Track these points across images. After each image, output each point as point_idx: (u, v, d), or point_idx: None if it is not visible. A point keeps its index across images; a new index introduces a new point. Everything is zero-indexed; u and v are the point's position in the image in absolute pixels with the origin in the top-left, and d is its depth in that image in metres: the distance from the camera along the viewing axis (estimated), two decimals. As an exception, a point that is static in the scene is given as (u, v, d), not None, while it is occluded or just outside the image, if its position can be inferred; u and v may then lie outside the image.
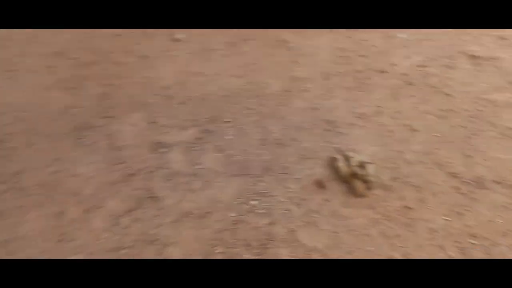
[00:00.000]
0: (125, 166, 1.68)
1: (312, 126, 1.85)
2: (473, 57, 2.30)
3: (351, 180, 1.54)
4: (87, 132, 1.87)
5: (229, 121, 1.90)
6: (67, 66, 2.33)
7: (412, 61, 2.30)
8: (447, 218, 1.42)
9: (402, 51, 2.40)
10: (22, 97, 2.09)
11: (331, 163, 1.64)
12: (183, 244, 1.36)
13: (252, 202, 1.50)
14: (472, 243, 1.33)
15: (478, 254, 1.29)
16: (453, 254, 1.30)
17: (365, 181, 1.52)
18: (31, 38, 2.60)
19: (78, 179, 1.63)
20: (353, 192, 1.52)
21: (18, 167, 1.69)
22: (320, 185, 1.55)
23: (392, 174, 1.59)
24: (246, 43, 2.53)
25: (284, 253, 1.32)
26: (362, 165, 1.56)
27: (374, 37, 2.55)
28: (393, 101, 1.99)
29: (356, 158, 1.61)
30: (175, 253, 1.33)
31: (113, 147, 1.78)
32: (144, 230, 1.41)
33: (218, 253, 1.33)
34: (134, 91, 2.13)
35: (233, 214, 1.46)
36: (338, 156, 1.64)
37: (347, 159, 1.61)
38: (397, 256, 1.30)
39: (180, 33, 2.62)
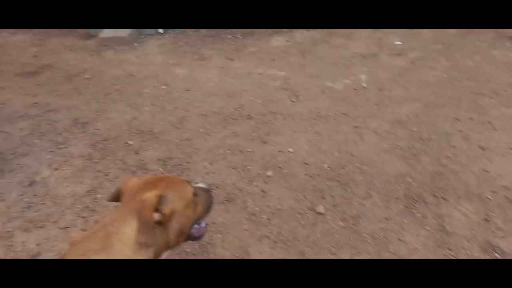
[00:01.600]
0: (451, 253, 1.72)
1: None
2: None
3: None
4: (418, 204, 2.03)
5: None
6: (406, 136, 2.59)
7: None
8: None
9: None
10: (364, 152, 2.48)
11: None
12: None
13: None
14: None
15: None
16: None
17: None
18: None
19: (404, 246, 1.79)
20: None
21: (357, 212, 2.03)
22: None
23: None
24: None
25: None
26: None
27: None
28: None
29: None
30: None
31: (441, 229, 1.86)
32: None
33: None
34: (470, 180, 2.15)
35: None
36: None
37: None
38: None
39: None
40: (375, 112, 2.70)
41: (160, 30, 4.10)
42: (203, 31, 4.04)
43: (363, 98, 2.82)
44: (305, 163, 2.41)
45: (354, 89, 2.91)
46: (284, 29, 3.71)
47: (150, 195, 1.05)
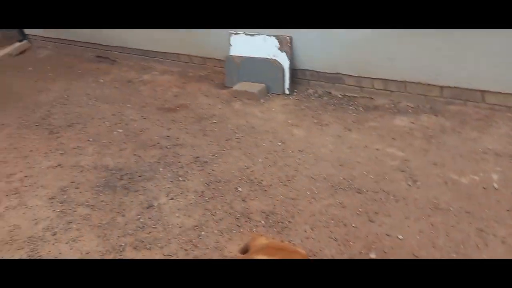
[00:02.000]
0: None
1: None
2: None
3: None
4: None
5: None
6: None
7: None
8: None
9: None
10: (487, 261, 2.19)
11: None
12: None
13: None
14: None
15: None
16: None
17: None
18: None
19: None
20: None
21: None
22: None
23: None
24: None
25: None
26: None
27: None
28: None
29: None
30: None
31: None
32: None
33: None
34: None
35: None
36: None
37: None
38: None
39: None
40: (505, 218, 2.40)
41: (286, 91, 4.37)
42: (326, 98, 4.19)
43: (493, 200, 2.53)
44: (415, 255, 2.22)
45: (483, 187, 2.65)
46: (410, 110, 3.63)
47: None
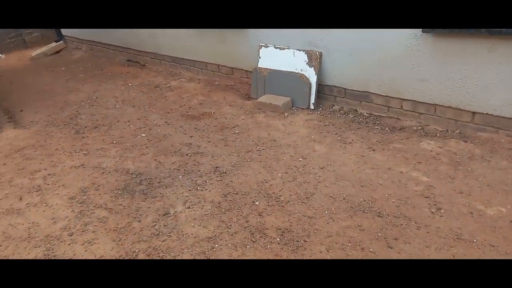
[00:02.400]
0: None
1: None
2: None
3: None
4: None
5: None
6: None
7: None
8: None
9: None
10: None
11: None
12: None
13: None
14: None
15: None
16: None
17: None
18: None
19: None
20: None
21: None
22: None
23: None
24: None
25: None
26: None
27: None
28: None
29: None
30: None
31: None
32: None
33: None
34: None
35: None
36: None
37: None
38: None
39: None
40: (533, 256, 2.26)
41: (311, 106, 4.32)
42: (351, 115, 4.12)
43: (521, 235, 2.40)
44: (434, 288, 2.11)
45: (510, 221, 2.51)
46: (438, 134, 3.51)
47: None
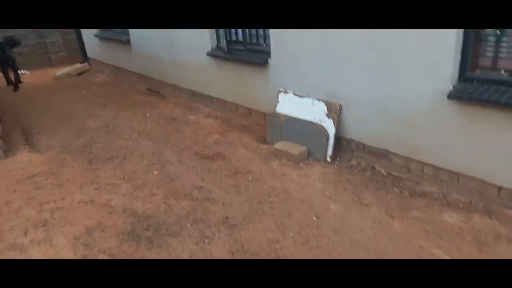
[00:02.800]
0: None
1: None
2: None
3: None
4: None
5: None
6: None
7: None
8: None
9: None
10: None
11: None
12: None
13: None
14: None
15: None
16: None
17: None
18: None
19: None
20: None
21: None
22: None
23: None
24: None
25: None
26: None
27: None
28: None
29: None
30: None
31: None
32: None
33: None
34: None
35: None
36: None
37: None
38: None
39: None
40: None
41: (328, 159, 4.22)
42: (369, 172, 3.99)
43: None
44: None
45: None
46: (461, 205, 3.35)
47: None
